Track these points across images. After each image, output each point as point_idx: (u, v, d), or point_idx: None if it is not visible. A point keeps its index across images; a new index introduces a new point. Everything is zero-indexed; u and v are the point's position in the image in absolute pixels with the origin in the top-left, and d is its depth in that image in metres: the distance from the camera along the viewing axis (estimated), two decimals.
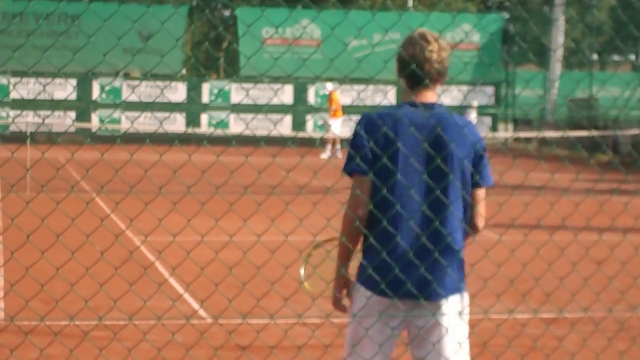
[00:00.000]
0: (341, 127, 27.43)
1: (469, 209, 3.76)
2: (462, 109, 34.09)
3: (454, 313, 3.68)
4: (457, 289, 3.69)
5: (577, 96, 34.30)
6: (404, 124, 3.69)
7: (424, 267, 3.62)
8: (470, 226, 3.78)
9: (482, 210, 3.79)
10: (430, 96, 3.77)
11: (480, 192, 3.77)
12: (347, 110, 28.62)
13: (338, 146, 26.42)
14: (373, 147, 3.64)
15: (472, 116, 33.54)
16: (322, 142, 26.82)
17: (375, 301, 3.64)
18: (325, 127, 28.54)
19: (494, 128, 34.35)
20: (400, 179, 3.63)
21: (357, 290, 3.68)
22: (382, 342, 3.69)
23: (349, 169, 3.66)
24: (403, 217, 3.64)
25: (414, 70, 3.74)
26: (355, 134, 3.69)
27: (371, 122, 3.68)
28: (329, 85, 27.69)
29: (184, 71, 37.12)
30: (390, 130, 3.65)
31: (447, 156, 3.68)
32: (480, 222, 3.80)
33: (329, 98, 27.44)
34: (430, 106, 3.74)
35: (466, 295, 3.72)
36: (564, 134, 23.12)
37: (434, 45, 3.77)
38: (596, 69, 41.90)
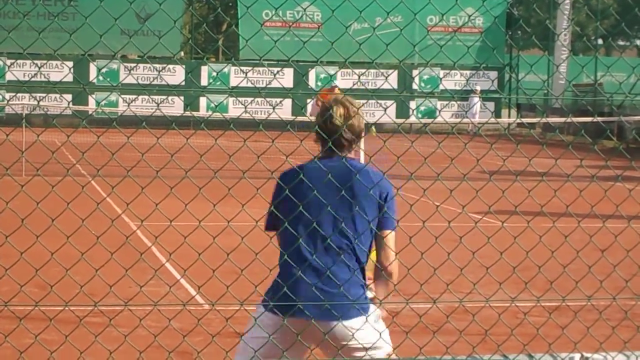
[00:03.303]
0: None
1: (380, 251, 3.97)
2: (466, 93, 33.96)
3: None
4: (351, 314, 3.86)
5: (582, 81, 34.14)
6: (314, 173, 3.91)
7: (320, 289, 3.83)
8: (380, 264, 3.98)
9: (388, 252, 3.96)
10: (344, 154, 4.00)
11: (386, 235, 3.96)
12: (348, 94, 28.49)
13: None
14: (282, 202, 3.91)
15: (475, 101, 33.41)
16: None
17: (269, 317, 3.92)
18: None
19: (497, 113, 34.23)
20: (308, 217, 3.84)
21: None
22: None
23: (265, 225, 4.11)
24: (309, 248, 3.88)
25: (324, 138, 3.97)
26: (272, 194, 4.04)
27: (283, 178, 3.98)
28: (336, 82, 27.68)
29: (182, 54, 36.94)
30: (300, 179, 3.88)
31: (354, 198, 3.88)
32: (385, 261, 3.97)
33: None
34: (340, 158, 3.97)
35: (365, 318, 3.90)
36: (566, 120, 22.98)
37: (342, 110, 4.02)
38: (601, 54, 41.69)
